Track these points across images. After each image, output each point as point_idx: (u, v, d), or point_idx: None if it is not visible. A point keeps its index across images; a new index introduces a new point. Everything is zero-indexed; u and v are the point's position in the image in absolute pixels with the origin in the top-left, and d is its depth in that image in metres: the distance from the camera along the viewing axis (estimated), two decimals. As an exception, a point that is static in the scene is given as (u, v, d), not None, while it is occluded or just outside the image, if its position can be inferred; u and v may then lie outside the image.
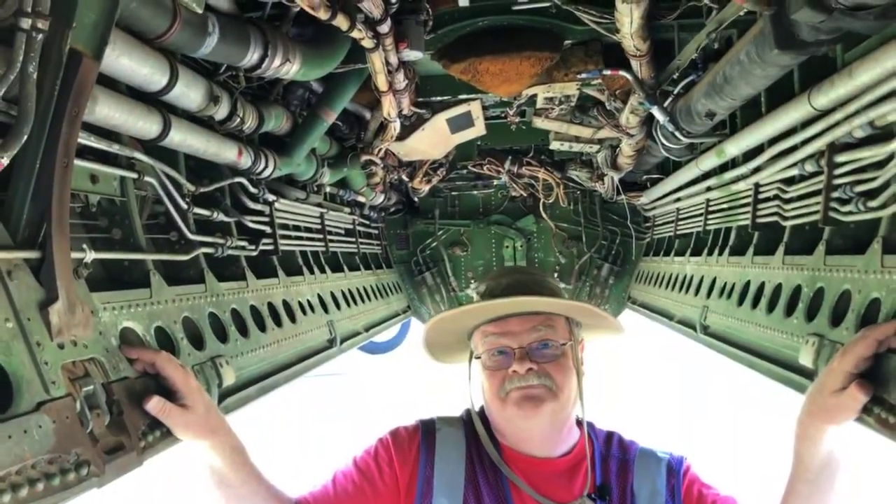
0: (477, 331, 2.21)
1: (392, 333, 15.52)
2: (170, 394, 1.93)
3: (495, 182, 7.49)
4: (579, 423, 2.22)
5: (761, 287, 3.35)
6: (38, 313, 1.61)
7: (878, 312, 2.12)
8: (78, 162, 2.03)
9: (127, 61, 2.06)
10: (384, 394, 14.22)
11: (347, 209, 5.61)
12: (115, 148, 2.19)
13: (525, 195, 7.43)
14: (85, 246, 1.94)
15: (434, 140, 5.25)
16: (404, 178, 6.28)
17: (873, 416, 1.81)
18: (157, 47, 2.19)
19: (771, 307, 3.14)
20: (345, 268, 5.29)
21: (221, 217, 3.04)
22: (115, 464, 1.69)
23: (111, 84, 2.13)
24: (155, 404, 1.85)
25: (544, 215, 7.47)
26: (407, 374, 13.83)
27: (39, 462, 1.47)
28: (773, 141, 3.17)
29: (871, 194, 2.38)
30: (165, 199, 2.56)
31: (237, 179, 3.21)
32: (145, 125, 2.29)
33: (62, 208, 1.70)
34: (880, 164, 2.34)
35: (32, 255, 1.64)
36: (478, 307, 2.17)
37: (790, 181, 3.18)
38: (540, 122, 5.21)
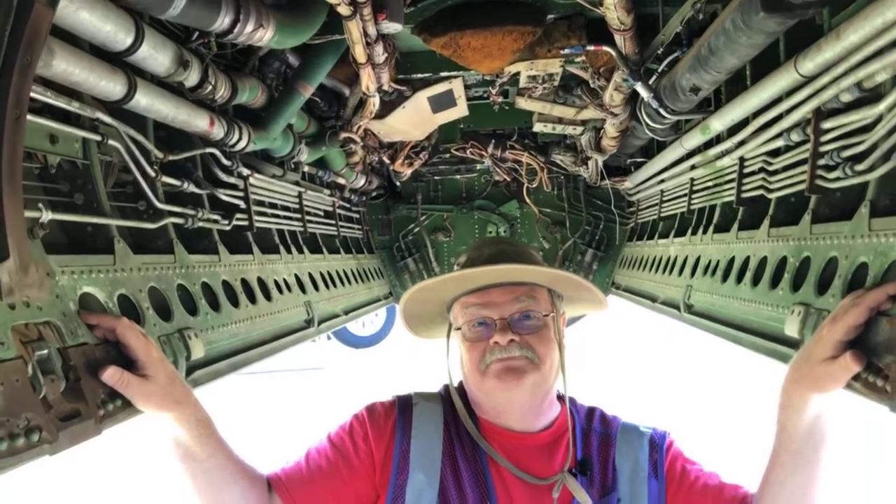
0: (457, 302, 2.15)
1: (377, 327, 15.41)
2: (131, 363, 1.84)
3: (478, 166, 7.43)
4: (560, 397, 2.17)
5: (746, 261, 3.31)
6: (-13, 271, 1.52)
7: (866, 277, 2.07)
8: (35, 119, 1.93)
9: (87, 15, 1.94)
10: (365, 388, 14.11)
11: (327, 191, 5.52)
12: (74, 106, 2.08)
13: (508, 180, 7.36)
14: (41, 205, 1.84)
15: (415, 119, 5.16)
16: (385, 160, 6.18)
17: (860, 380, 1.75)
18: (121, 6, 2.09)
19: (756, 280, 3.09)
20: (324, 249, 5.21)
21: (192, 188, 2.94)
22: (69, 431, 1.60)
23: (73, 41, 2.03)
24: (111, 374, 1.74)
25: (528, 200, 7.41)
26: (389, 368, 13.73)
27: (-15, 425, 1.39)
28: (759, 113, 3.12)
29: (859, 158, 2.33)
30: (132, 165, 2.45)
31: (209, 150, 3.11)
32: (108, 85, 2.18)
33: (14, 162, 1.59)
34: (867, 128, 2.29)
35: (-20, 211, 1.54)
36: (458, 275, 2.11)
37: (775, 153, 3.12)
38: (523, 103, 5.13)
